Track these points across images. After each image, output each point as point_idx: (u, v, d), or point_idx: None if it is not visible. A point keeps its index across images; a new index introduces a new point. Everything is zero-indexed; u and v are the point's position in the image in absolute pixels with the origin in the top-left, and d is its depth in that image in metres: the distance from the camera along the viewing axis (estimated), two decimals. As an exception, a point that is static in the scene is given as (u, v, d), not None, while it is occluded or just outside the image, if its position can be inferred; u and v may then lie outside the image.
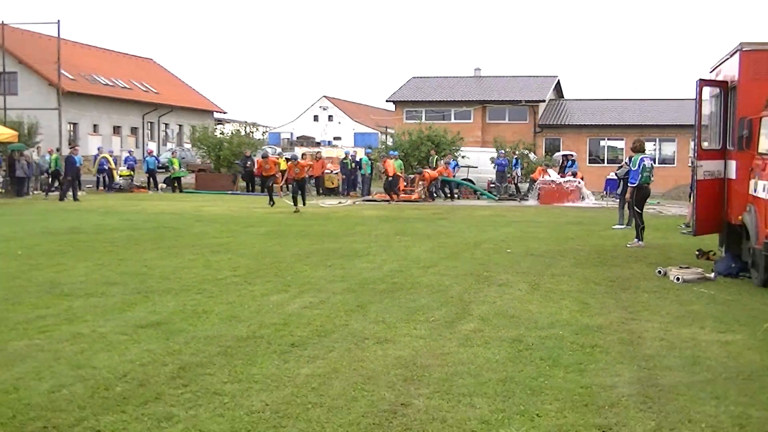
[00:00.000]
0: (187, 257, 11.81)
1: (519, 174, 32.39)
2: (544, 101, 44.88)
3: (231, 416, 4.72)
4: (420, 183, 29.55)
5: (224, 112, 63.03)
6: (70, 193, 26.33)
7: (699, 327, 7.39)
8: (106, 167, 33.15)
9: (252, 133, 38.50)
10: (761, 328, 7.18)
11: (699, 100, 11.38)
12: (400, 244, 14.00)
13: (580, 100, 48.63)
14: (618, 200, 19.54)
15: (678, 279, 10.04)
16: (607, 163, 40.47)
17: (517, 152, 33.76)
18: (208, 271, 10.47)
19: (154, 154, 38.38)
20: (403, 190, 29.47)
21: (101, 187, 32.90)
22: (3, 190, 28.36)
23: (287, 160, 28.86)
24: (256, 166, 29.88)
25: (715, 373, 5.80)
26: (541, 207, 26.58)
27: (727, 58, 11.35)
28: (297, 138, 70.32)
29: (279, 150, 44.56)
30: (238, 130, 38.43)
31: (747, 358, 6.25)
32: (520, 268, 11.16)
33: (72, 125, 45.72)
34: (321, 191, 32.89)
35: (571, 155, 32.68)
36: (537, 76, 48.22)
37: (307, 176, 24.33)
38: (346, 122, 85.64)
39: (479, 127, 44.38)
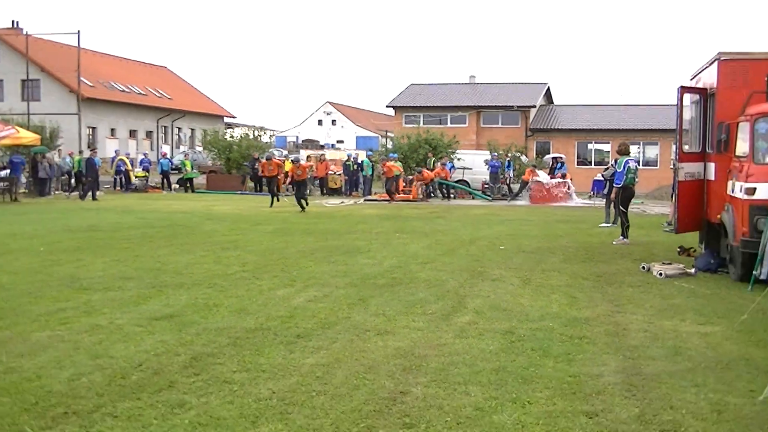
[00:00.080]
0: (198, 253, 11.81)
1: (511, 175, 32.41)
2: (534, 107, 44.82)
3: (240, 403, 4.73)
4: (418, 183, 29.54)
5: (234, 117, 62.91)
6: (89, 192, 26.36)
7: (680, 319, 7.40)
8: (123, 169, 33.16)
9: (260, 136, 38.50)
10: (738, 320, 7.18)
11: (680, 106, 11.38)
12: (399, 242, 13.99)
13: (569, 105, 48.56)
14: (604, 200, 19.54)
15: (661, 274, 10.04)
16: (595, 165, 40.37)
17: (509, 155, 33.80)
18: (219, 266, 10.47)
19: (168, 156, 38.37)
20: (402, 190, 29.48)
21: (118, 188, 32.92)
22: (26, 190, 28.36)
23: (293, 162, 28.87)
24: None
25: (695, 363, 5.80)
26: (532, 206, 26.56)
27: (707, 67, 11.35)
28: (302, 141, 70.14)
29: (285, 152, 44.53)
30: (247, 134, 38.44)
31: (725, 349, 6.26)
32: (512, 263, 11.16)
33: (91, 129, 45.69)
34: (325, 191, 32.90)
35: (561, 158, 32.64)
36: (528, 83, 48.14)
37: (308, 177, 24.28)
38: (348, 126, 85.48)
39: (474, 131, 44.35)
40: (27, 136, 27.03)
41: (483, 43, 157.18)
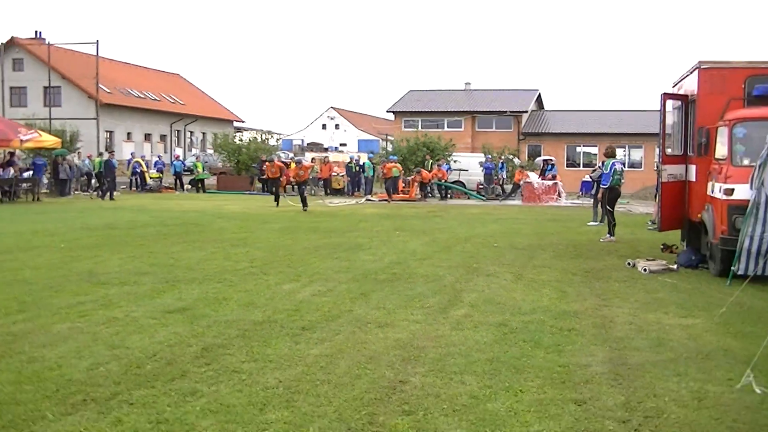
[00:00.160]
0: (209, 250, 11.79)
1: (504, 177, 32.40)
2: (526, 112, 44.77)
3: (248, 391, 4.72)
4: (416, 183, 29.52)
5: (243, 121, 62.87)
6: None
7: (663, 312, 7.39)
8: (139, 170, 33.19)
9: (267, 139, 38.44)
10: (718, 313, 7.17)
11: (663, 112, 11.36)
12: (398, 239, 13.98)
13: (559, 111, 48.48)
14: (592, 200, 19.52)
15: (645, 270, 10.03)
16: (583, 167, 40.33)
17: (502, 157, 33.79)
18: (228, 262, 10.46)
19: (181, 158, 38.36)
20: (401, 191, 29.47)
21: (134, 188, 32.94)
22: (48, 191, 28.37)
23: (296, 163, 28.87)
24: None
25: (677, 353, 5.80)
26: (524, 206, 26.54)
27: (688, 75, 11.34)
28: (307, 144, 70.06)
29: (291, 155, 44.46)
30: (255, 137, 38.37)
31: (705, 340, 6.25)
32: (505, 260, 11.15)
33: (108, 133, 45.67)
34: (328, 192, 32.88)
35: (551, 160, 32.61)
36: (520, 90, 48.05)
37: (309, 177, 24.21)
38: (351, 130, 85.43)
39: (469, 134, 44.28)
40: (49, 140, 27.04)
41: (478, 52, 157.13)
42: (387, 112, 48.61)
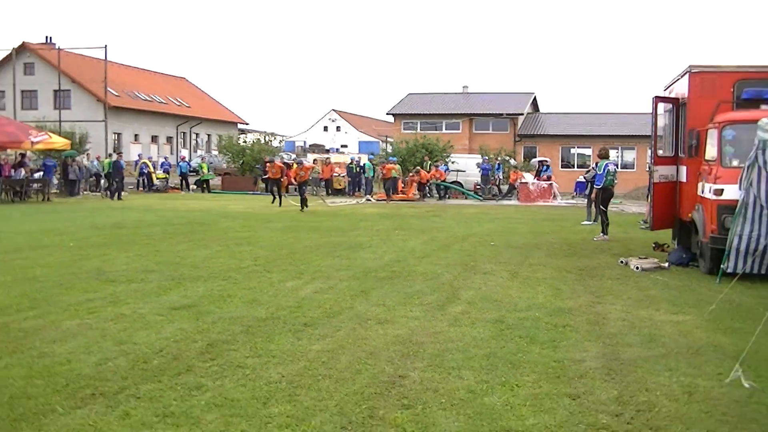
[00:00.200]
0: (214, 249, 11.79)
1: (501, 177, 32.38)
2: (522, 114, 44.71)
3: (252, 386, 4.72)
4: (414, 183, 29.51)
5: (246, 123, 62.80)
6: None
7: (655, 309, 7.39)
8: (146, 171, 33.16)
9: (270, 141, 38.41)
10: (707, 310, 7.17)
11: (655, 114, 11.36)
12: (398, 238, 13.97)
13: (554, 113, 48.44)
14: (586, 200, 19.51)
15: (637, 268, 10.03)
16: (577, 167, 40.24)
17: (499, 158, 33.75)
18: (232, 260, 10.45)
19: (186, 159, 38.32)
20: (400, 191, 29.45)
21: (141, 188, 32.91)
22: (58, 191, 28.35)
23: (297, 164, 28.85)
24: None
25: (668, 349, 5.80)
26: (520, 206, 26.53)
27: (679, 78, 11.34)
28: (309, 146, 69.94)
29: (294, 156, 44.42)
30: (259, 139, 38.36)
31: (695, 336, 6.25)
32: (501, 258, 11.14)
33: (116, 135, 45.63)
34: (330, 192, 32.87)
35: (546, 161, 32.58)
36: (516, 93, 47.99)
37: (309, 178, 24.18)
38: (351, 132, 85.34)
39: (467, 136, 44.24)
40: (59, 141, 27.02)
41: (475, 56, 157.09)
42: (387, 114, 48.60)
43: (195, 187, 34.37)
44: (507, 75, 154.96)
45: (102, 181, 29.85)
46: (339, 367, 5.15)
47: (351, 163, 33.67)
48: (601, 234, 14.15)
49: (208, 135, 57.21)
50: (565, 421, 4.18)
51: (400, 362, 5.31)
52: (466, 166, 32.71)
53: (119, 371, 4.99)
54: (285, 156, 39.42)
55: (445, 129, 44.26)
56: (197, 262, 10.16)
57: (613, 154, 34.61)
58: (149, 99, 51.07)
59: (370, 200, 28.61)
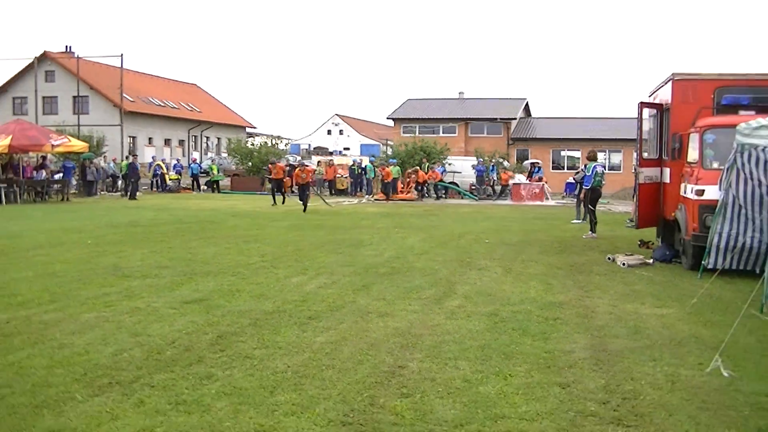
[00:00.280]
0: (223, 246, 11.78)
1: (495, 178, 32.38)
2: (515, 119, 44.72)
3: (260, 376, 4.73)
4: (412, 182, 29.50)
5: (254, 127, 62.64)
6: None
7: (640, 303, 7.39)
8: (159, 172, 33.17)
9: (277, 144, 38.41)
10: (689, 304, 7.17)
11: (640, 119, 11.37)
12: (397, 236, 13.97)
13: (545, 118, 48.41)
14: (575, 200, 19.51)
15: (624, 264, 10.03)
16: (567, 169, 40.25)
17: (493, 160, 33.76)
18: (241, 257, 10.45)
19: (197, 161, 38.31)
20: (400, 191, 29.45)
21: (155, 189, 32.90)
22: (76, 191, 28.36)
23: (299, 166, 28.83)
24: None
25: (652, 340, 5.80)
26: (513, 205, 26.53)
27: (663, 85, 11.34)
28: (314, 148, 69.94)
29: (299, 158, 44.41)
30: (266, 142, 38.35)
31: (678, 328, 6.25)
32: (496, 255, 11.14)
33: (131, 138, 45.61)
34: (333, 192, 32.87)
35: (538, 163, 32.59)
36: (510, 99, 47.95)
37: (311, 179, 24.13)
38: (353, 135, 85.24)
39: (463, 139, 44.25)
40: (77, 144, 27.03)
41: (471, 64, 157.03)
42: (387, 118, 48.56)
43: (205, 187, 34.38)
44: (501, 82, 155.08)
45: (119, 182, 29.85)
46: (342, 358, 5.16)
47: (353, 165, 33.67)
48: (590, 232, 14.14)
49: (218, 138, 57.16)
50: (555, 409, 4.18)
51: (400, 353, 5.31)
52: (462, 168, 32.73)
53: (134, 361, 5.00)
54: (290, 158, 39.45)
55: (443, 132, 44.25)
56: (208, 259, 10.16)
57: (601, 156, 34.41)
58: (162, 104, 51.04)
59: (371, 200, 28.60)
